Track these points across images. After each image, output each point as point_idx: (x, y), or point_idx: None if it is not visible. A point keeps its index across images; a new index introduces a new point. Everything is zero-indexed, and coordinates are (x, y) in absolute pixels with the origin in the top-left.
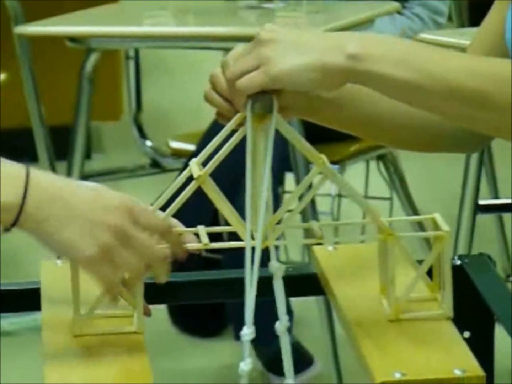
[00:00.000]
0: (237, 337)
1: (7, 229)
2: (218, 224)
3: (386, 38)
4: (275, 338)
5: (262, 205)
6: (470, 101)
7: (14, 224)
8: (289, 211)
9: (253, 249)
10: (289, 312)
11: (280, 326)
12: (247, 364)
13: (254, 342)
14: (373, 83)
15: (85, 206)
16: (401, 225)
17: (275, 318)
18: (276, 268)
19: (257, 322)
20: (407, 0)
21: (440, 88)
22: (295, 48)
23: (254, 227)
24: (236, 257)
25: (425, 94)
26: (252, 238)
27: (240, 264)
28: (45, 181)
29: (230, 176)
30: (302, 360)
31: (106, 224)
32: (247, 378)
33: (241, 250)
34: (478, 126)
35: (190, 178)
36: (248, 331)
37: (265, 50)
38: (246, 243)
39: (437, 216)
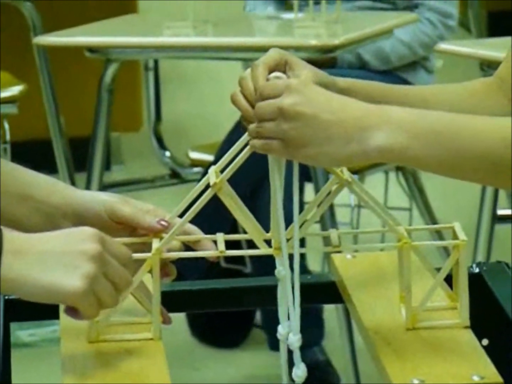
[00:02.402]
0: (272, 346)
1: None
2: (237, 233)
3: (404, 116)
4: (307, 348)
5: (295, 211)
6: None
7: None
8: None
9: (271, 257)
10: (321, 324)
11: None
12: (301, 369)
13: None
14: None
15: (60, 242)
16: (421, 236)
17: (306, 327)
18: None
19: None
20: (417, 7)
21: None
22: (317, 132)
23: (273, 235)
24: (265, 268)
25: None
26: (269, 246)
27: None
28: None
29: (250, 183)
30: (328, 381)
31: (86, 253)
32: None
33: (270, 261)
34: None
35: (208, 186)
36: (295, 338)
37: (289, 127)
38: (283, 250)
39: (457, 225)
